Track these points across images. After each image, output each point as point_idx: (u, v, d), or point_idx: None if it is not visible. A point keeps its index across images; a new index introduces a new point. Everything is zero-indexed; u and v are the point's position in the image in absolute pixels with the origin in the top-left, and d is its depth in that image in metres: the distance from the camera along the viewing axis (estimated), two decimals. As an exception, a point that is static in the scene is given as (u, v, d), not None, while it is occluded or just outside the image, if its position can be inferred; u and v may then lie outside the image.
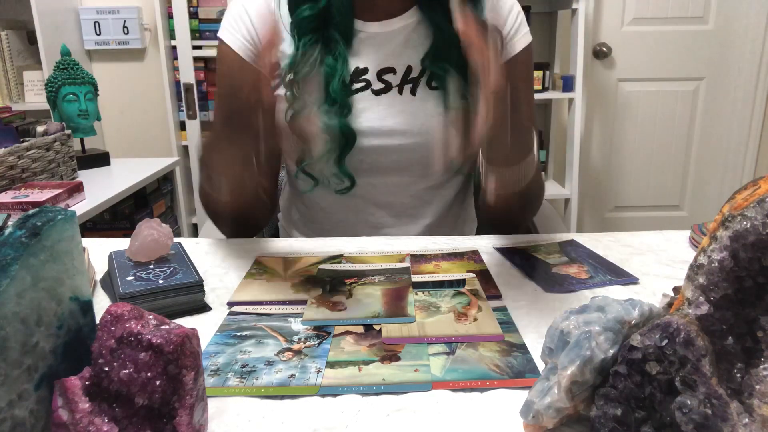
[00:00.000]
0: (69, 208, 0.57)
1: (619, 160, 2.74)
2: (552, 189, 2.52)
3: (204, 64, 2.40)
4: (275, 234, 1.08)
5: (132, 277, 0.61)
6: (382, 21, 0.85)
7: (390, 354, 0.51)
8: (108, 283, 0.65)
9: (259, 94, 0.59)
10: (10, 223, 0.37)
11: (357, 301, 0.61)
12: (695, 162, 2.75)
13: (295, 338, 0.54)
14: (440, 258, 0.73)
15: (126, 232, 1.71)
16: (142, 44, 2.52)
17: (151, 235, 0.66)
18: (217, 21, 2.34)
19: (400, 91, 0.84)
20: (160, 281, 0.60)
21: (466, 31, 0.54)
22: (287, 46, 0.84)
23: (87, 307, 0.41)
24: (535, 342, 0.53)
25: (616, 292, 0.63)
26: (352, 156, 0.83)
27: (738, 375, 0.35)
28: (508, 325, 0.56)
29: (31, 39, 2.43)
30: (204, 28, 2.37)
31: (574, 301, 0.61)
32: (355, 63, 0.84)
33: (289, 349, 0.52)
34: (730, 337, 0.35)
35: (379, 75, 0.84)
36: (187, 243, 0.75)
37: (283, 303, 0.61)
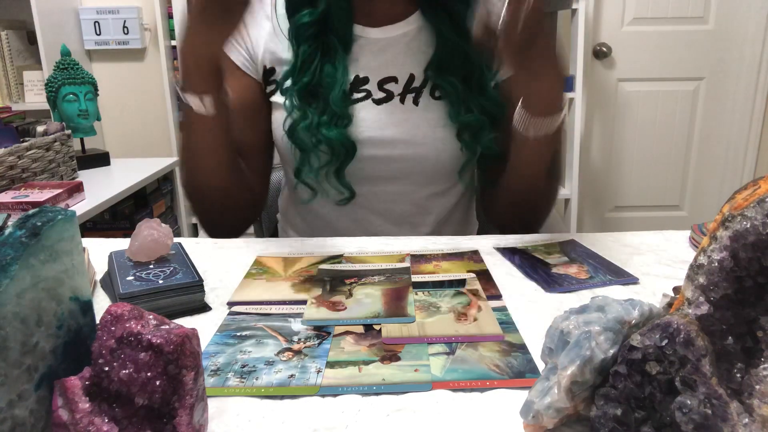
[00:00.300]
0: (69, 208, 0.57)
1: (619, 160, 2.74)
2: (552, 189, 2.52)
3: (204, 64, 2.40)
4: (275, 234, 1.08)
5: (132, 277, 0.61)
6: (382, 27, 0.83)
7: (390, 354, 0.51)
8: (108, 283, 0.65)
9: None
10: (10, 223, 0.37)
11: (357, 301, 0.61)
12: (695, 162, 2.75)
13: (295, 338, 0.54)
14: (440, 258, 0.73)
15: (126, 232, 1.70)
16: (142, 44, 2.52)
17: (151, 235, 0.66)
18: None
19: (402, 101, 0.83)
20: (160, 281, 0.60)
21: None
22: (285, 52, 0.84)
23: (87, 307, 0.41)
24: (535, 342, 0.53)
25: (616, 292, 0.63)
26: (353, 165, 0.82)
27: (738, 375, 0.35)
28: (508, 325, 0.56)
29: (31, 39, 2.44)
30: (204, 28, 2.37)
31: (574, 301, 0.61)
32: (355, 70, 0.83)
33: (289, 349, 0.52)
34: (730, 337, 0.35)
35: (381, 84, 0.83)
36: (187, 243, 0.75)
37: (283, 303, 0.61)
